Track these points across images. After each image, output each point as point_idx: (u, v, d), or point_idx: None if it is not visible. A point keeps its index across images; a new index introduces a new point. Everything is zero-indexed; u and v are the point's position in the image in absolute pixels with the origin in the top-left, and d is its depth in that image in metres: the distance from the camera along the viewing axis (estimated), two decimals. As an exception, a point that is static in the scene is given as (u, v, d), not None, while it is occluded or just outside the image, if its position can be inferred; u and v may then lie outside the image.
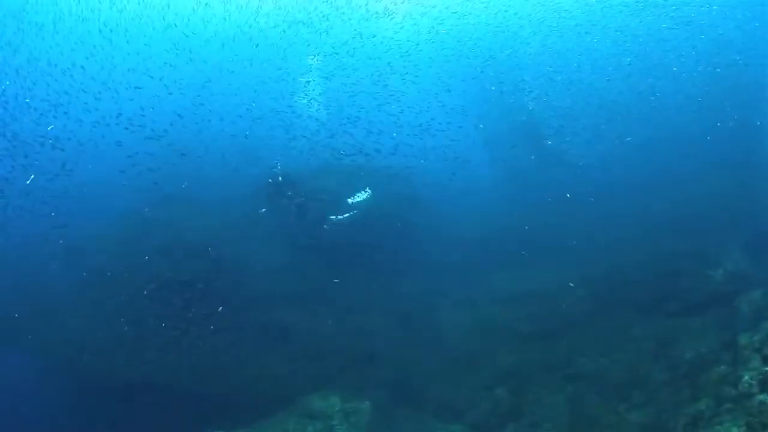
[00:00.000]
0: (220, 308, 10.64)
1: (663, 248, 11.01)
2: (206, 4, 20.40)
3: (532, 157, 14.00)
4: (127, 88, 16.85)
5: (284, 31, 20.47)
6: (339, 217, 11.36)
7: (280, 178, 11.11)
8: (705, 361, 7.64)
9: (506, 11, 18.80)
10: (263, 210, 11.27)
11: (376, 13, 21.30)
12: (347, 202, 11.51)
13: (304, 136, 14.29)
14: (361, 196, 11.55)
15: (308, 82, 17.29)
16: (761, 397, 5.91)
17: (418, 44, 18.84)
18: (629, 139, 13.33)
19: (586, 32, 16.99)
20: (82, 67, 16.59)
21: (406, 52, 18.39)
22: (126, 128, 13.30)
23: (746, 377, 6.18)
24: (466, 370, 9.75)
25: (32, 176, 12.04)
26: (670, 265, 10.59)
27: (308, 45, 19.92)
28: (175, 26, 19.11)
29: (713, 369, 7.01)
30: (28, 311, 11.23)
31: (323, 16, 20.31)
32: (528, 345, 9.91)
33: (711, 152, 12.95)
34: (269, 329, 11.03)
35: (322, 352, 10.69)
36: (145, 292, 10.87)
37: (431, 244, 12.40)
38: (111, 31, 17.93)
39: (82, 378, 10.55)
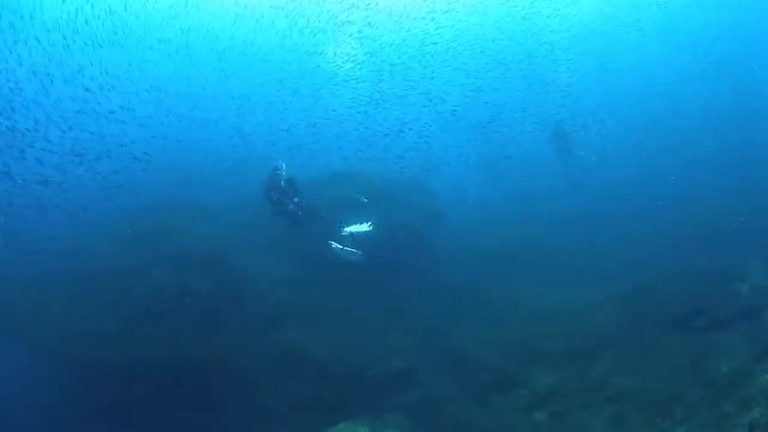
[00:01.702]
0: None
1: (689, 263, 11.04)
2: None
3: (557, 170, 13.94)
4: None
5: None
6: (350, 232, 10.52)
7: (283, 183, 10.24)
8: (741, 373, 7.83)
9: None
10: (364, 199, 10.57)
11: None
12: (348, 231, 10.50)
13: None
14: (363, 227, 10.51)
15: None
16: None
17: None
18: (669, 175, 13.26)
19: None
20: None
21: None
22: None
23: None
24: (498, 393, 9.45)
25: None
26: (698, 281, 10.61)
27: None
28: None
29: (756, 379, 7.23)
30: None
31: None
32: (563, 365, 9.66)
33: (735, 167, 13.22)
34: (284, 350, 10.46)
35: (342, 375, 10.19)
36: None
37: (449, 258, 12.10)
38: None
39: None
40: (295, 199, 10.12)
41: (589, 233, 12.43)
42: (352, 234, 10.35)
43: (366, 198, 10.93)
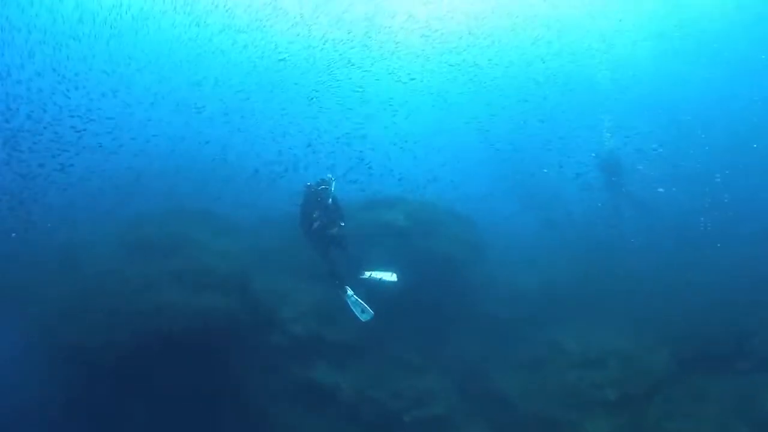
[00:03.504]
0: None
1: (730, 304, 10.77)
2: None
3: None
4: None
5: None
6: (370, 276, 9.10)
7: (331, 201, 8.84)
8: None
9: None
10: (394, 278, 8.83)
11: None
12: (368, 275, 9.08)
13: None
14: (387, 277, 9.12)
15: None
16: None
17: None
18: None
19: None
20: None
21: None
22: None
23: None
24: (550, 444, 8.79)
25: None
26: (740, 321, 10.45)
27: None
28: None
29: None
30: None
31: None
32: (616, 412, 9.13)
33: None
34: (309, 387, 9.61)
35: (373, 418, 9.41)
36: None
37: (488, 293, 11.53)
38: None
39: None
40: (342, 223, 8.86)
41: (634, 268, 12.10)
42: (371, 279, 9.06)
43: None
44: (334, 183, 8.77)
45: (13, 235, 10.45)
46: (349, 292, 8.73)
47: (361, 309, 8.67)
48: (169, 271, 10.24)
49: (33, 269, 10.76)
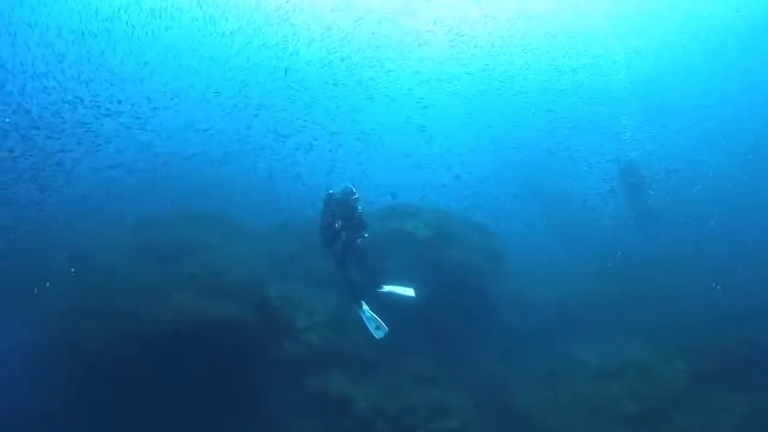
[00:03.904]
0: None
1: (746, 316, 10.86)
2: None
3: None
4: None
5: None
6: (388, 292, 8.88)
7: (359, 210, 8.48)
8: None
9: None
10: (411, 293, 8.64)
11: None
12: (386, 290, 8.86)
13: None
14: (405, 291, 8.93)
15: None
16: None
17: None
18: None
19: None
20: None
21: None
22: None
23: None
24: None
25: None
26: (756, 333, 10.52)
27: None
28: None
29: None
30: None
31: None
32: (635, 425, 9.07)
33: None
34: (323, 398, 9.43)
35: (388, 432, 9.19)
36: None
37: (506, 305, 11.44)
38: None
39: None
40: (365, 234, 8.63)
41: (653, 280, 12.08)
42: (389, 294, 8.83)
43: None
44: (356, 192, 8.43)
45: (72, 270, 10.21)
46: (365, 307, 8.59)
47: (376, 325, 8.55)
48: (180, 276, 10.07)
49: (39, 270, 10.58)
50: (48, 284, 10.42)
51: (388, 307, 8.93)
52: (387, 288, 8.85)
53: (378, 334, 8.49)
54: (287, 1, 18.72)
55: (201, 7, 18.33)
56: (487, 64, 20.09)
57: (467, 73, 20.02)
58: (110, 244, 11.45)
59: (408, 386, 9.88)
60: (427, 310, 9.88)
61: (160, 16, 17.07)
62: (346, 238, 8.39)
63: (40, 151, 12.19)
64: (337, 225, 8.43)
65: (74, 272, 10.18)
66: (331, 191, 8.73)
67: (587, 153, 15.60)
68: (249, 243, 11.60)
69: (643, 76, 18.46)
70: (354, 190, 8.47)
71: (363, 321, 8.59)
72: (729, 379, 9.73)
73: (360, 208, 8.48)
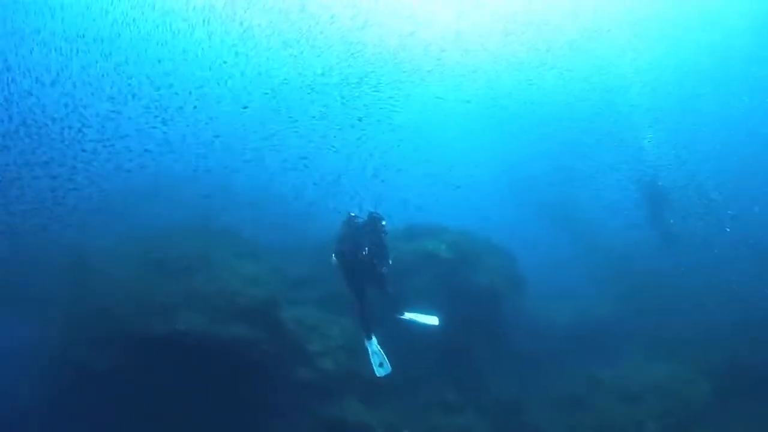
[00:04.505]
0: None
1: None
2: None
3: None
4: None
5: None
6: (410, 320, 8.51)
7: (385, 236, 8.02)
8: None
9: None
10: None
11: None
12: (409, 317, 8.50)
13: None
14: (428, 320, 8.57)
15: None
16: None
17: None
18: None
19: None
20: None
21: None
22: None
23: None
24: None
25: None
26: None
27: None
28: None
29: None
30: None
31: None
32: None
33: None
34: (339, 426, 9.06)
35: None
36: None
37: (526, 328, 11.23)
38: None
39: None
40: (390, 261, 8.17)
41: (673, 298, 12.02)
42: (411, 321, 8.48)
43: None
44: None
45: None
46: (374, 340, 8.19)
47: (380, 362, 8.17)
48: (187, 295, 9.60)
49: (39, 281, 10.14)
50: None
51: (405, 331, 8.67)
52: (409, 315, 8.51)
53: (380, 372, 8.12)
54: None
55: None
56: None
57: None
58: (112, 258, 10.99)
59: (427, 411, 9.61)
60: (447, 333, 9.60)
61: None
62: (370, 266, 7.94)
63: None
64: (364, 252, 7.88)
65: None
66: (352, 214, 8.37)
67: (608, 168, 15.54)
68: (260, 261, 11.19)
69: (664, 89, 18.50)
70: (382, 216, 8.10)
71: (368, 354, 8.21)
72: (751, 397, 9.57)
73: (387, 234, 8.11)
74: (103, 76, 14.79)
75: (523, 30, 19.80)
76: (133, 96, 14.86)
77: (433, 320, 8.56)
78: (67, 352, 9.55)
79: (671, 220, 13.13)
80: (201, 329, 9.11)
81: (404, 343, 8.76)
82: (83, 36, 15.44)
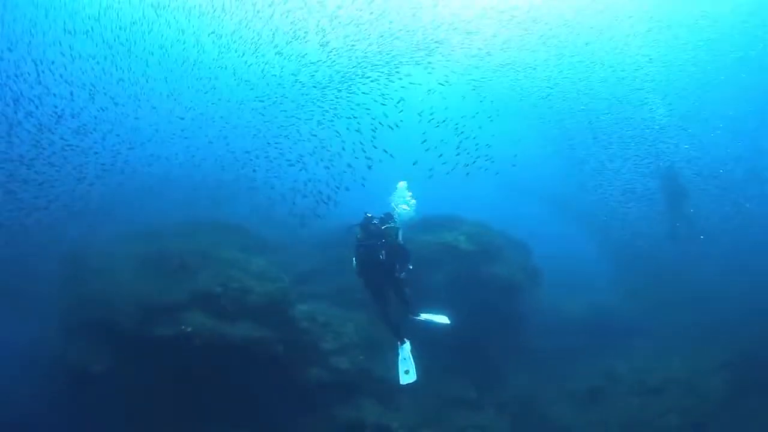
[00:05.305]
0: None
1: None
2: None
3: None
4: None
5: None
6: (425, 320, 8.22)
7: (401, 240, 7.71)
8: None
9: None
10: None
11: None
12: (423, 318, 8.22)
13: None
14: (441, 319, 8.32)
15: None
16: None
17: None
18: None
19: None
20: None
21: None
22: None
23: None
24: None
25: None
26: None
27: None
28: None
29: None
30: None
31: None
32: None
33: None
34: (355, 426, 8.79)
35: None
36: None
37: (542, 323, 11.07)
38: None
39: None
40: (410, 266, 7.83)
41: (689, 293, 11.97)
42: (425, 321, 8.18)
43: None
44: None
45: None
46: (407, 346, 7.86)
47: (407, 369, 7.85)
48: (193, 293, 9.15)
49: (35, 279, 9.52)
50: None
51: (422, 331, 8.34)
52: (424, 316, 8.24)
53: (404, 379, 7.81)
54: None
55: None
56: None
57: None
58: (114, 254, 10.44)
59: (446, 410, 9.43)
60: (466, 328, 9.34)
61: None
62: (389, 269, 7.62)
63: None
64: (381, 257, 7.56)
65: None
66: (369, 214, 7.93)
67: (623, 160, 15.25)
68: (270, 257, 10.76)
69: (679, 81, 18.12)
70: (392, 215, 7.78)
71: (397, 357, 7.92)
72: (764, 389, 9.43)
73: (401, 237, 7.74)
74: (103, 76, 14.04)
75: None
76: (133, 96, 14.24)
77: (444, 319, 8.33)
78: (66, 352, 9.13)
79: (691, 210, 13.04)
80: (206, 330, 8.63)
81: (421, 341, 8.48)
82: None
